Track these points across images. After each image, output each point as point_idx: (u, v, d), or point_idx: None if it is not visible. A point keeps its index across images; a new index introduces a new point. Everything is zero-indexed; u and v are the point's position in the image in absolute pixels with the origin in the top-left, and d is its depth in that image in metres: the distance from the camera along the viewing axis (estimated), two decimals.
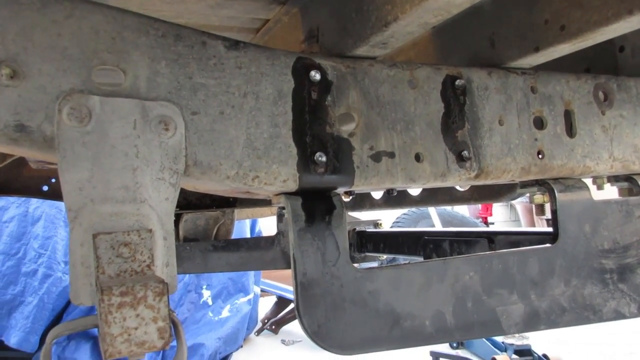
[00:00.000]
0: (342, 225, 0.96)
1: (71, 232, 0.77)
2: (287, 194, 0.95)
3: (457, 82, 1.08)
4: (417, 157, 1.02)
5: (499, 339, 5.11)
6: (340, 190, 0.98)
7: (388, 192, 1.11)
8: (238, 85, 0.90)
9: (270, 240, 2.85)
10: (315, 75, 0.96)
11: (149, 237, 0.78)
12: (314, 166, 0.93)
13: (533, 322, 1.08)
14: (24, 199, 5.16)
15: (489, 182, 1.13)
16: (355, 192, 1.07)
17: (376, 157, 0.99)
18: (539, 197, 1.25)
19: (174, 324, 0.72)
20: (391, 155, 1.00)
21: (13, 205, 5.15)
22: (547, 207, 1.25)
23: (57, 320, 4.95)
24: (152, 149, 0.81)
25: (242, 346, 6.09)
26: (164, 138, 0.82)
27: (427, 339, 0.98)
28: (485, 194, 1.64)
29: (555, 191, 1.15)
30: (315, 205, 0.95)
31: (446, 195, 1.83)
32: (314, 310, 0.90)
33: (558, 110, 1.18)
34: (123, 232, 0.77)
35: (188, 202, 2.58)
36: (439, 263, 1.02)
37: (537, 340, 5.13)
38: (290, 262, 2.67)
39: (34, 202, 5.16)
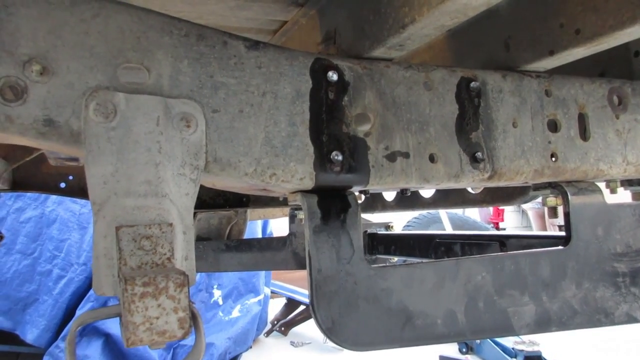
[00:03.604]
0: (357, 224, 0.97)
1: (95, 224, 0.79)
2: (304, 192, 0.97)
3: (472, 84, 1.09)
4: (432, 158, 1.04)
5: (509, 344, 5.08)
6: (356, 189, 1.00)
7: (402, 193, 1.12)
8: (257, 85, 0.92)
9: (282, 241, 2.88)
10: (333, 76, 0.98)
11: (170, 231, 0.80)
12: (330, 165, 0.95)
13: (544, 323, 1.09)
14: (40, 200, 5.27)
15: (502, 183, 1.14)
16: (370, 191, 1.08)
17: (391, 157, 1.00)
18: (551, 200, 1.26)
19: (193, 315, 0.74)
20: (406, 155, 1.02)
21: (30, 207, 5.26)
22: (560, 210, 1.26)
23: (69, 318, 5.03)
24: (174, 145, 0.83)
25: (251, 347, 6.11)
26: (186, 134, 0.85)
27: (439, 337, 0.99)
28: (498, 197, 1.65)
29: (569, 194, 1.16)
30: (331, 203, 0.97)
31: (458, 198, 1.84)
32: (329, 307, 0.92)
33: (572, 114, 1.19)
34: (145, 225, 0.79)
35: (202, 201, 2.61)
36: (452, 263, 1.04)
37: (548, 346, 5.09)
38: (302, 263, 2.70)
39: (50, 205, 5.27)
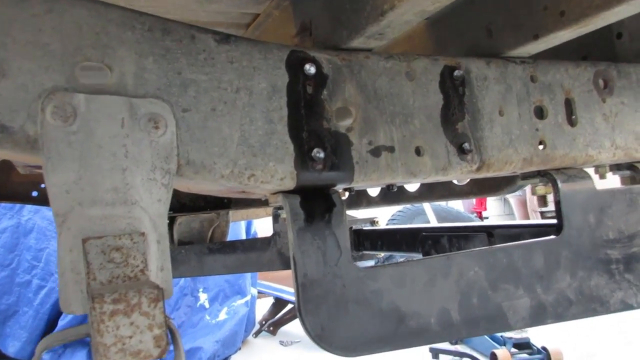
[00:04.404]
0: (343, 224, 0.92)
1: (59, 237, 0.73)
2: (285, 193, 0.92)
3: (456, 72, 1.05)
4: (418, 151, 0.99)
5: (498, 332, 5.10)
6: (340, 187, 0.95)
7: (388, 188, 1.08)
8: (230, 81, 0.86)
9: (266, 241, 2.82)
10: (310, 69, 0.92)
11: (142, 241, 0.74)
12: (311, 163, 0.90)
13: (540, 316, 1.05)
14: (16, 210, 5.13)
15: (490, 174, 1.10)
16: (354, 189, 1.04)
17: (375, 152, 0.96)
18: (541, 189, 1.23)
19: (170, 331, 0.68)
20: (391, 149, 0.97)
21: (5, 217, 5.13)
22: (550, 198, 1.23)
23: (52, 329, 4.93)
24: (142, 149, 0.77)
25: (240, 348, 6.04)
26: (154, 137, 0.79)
27: (433, 337, 0.95)
28: (485, 188, 1.61)
29: (558, 182, 1.13)
30: (315, 204, 0.91)
31: (445, 190, 1.80)
32: (317, 312, 0.87)
33: (558, 99, 1.15)
34: (114, 236, 0.73)
35: (182, 204, 2.54)
36: (443, 259, 0.99)
37: (536, 332, 5.13)
38: (288, 263, 2.61)
39: (26, 214, 5.14)
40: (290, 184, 0.88)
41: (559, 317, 1.07)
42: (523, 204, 11.37)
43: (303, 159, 0.89)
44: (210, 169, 0.83)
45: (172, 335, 0.69)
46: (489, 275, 1.02)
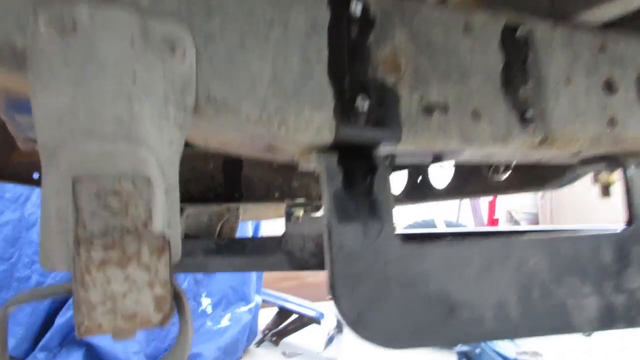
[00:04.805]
0: (387, 191, 0.77)
1: (45, 176, 0.59)
2: (319, 151, 0.77)
3: (519, 32, 0.91)
4: (475, 114, 0.85)
5: (511, 354, 4.88)
6: (385, 147, 0.80)
7: (436, 159, 0.93)
8: (263, 10, 0.73)
9: (276, 240, 2.67)
10: (357, 8, 0.78)
11: (147, 188, 0.60)
12: (353, 115, 0.75)
13: (609, 319, 0.89)
14: (19, 203, 5.02)
15: (553, 151, 0.95)
16: (397, 156, 0.89)
17: (427, 110, 0.81)
18: (604, 176, 1.08)
19: (176, 296, 0.53)
20: (444, 109, 0.82)
21: (8, 210, 5.02)
22: (613, 189, 1.08)
23: (49, 326, 4.78)
24: (154, 76, 0.63)
25: (241, 357, 5.85)
26: (170, 64, 0.64)
27: (488, 333, 0.79)
28: (528, 181, 1.44)
29: (630, 167, 0.97)
30: (355, 164, 0.77)
31: (478, 185, 1.63)
32: (354, 293, 0.71)
33: (629, 75, 1.01)
34: (113, 177, 0.58)
35: (190, 196, 2.40)
36: (501, 242, 0.84)
37: (551, 358, 4.90)
38: (297, 264, 2.39)
39: (29, 208, 5.03)
40: (327, 137, 0.74)
41: (631, 322, 0.91)
42: (534, 224, 11.15)
43: (343, 108, 0.74)
44: (234, 110, 0.68)
45: (177, 301, 0.54)
46: (552, 266, 0.86)
